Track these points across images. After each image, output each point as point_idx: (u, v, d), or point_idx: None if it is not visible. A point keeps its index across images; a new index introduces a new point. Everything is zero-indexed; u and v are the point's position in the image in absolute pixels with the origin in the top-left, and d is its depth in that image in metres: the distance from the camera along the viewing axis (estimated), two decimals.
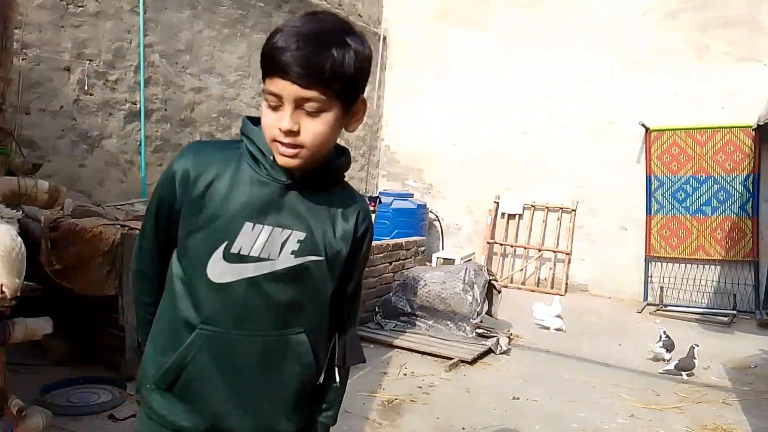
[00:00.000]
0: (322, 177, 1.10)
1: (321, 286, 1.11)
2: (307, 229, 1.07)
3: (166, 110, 5.15)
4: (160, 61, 5.06)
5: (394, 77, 8.00)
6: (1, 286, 1.84)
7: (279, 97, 0.98)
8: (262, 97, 1.01)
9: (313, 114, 0.99)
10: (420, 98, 7.74)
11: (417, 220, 6.79)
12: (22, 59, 4.08)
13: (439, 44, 7.57)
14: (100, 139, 4.66)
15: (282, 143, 0.99)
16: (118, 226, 3.56)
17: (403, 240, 5.17)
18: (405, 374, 3.70)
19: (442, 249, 7.46)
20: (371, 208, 4.04)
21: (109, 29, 4.64)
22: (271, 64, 0.97)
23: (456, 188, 7.51)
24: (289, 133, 0.98)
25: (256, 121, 1.08)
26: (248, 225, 1.03)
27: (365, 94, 1.09)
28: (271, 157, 1.04)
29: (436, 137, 7.63)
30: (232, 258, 1.04)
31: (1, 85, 2.21)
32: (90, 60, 4.54)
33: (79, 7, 4.44)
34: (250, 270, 1.04)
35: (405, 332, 4.46)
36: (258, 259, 1.04)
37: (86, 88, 4.53)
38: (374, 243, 4.38)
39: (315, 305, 1.12)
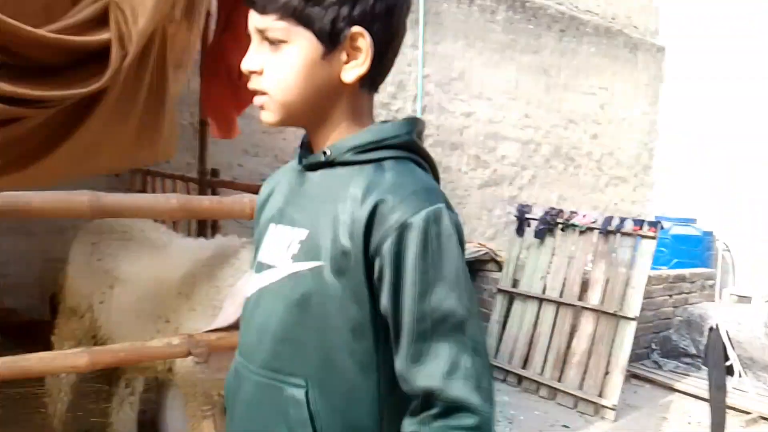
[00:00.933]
0: (334, 151, 0.81)
1: (329, 308, 0.77)
2: (311, 224, 0.80)
3: (438, 135, 5.47)
4: (435, 90, 5.42)
5: (672, 91, 7.27)
6: None
7: (249, 34, 0.81)
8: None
9: (273, 48, 0.78)
10: (706, 112, 6.89)
11: (702, 250, 6.02)
12: None
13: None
14: None
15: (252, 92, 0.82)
16: None
17: (686, 271, 4.63)
18: (689, 422, 3.27)
19: (735, 284, 6.47)
20: (651, 234, 3.69)
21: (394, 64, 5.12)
22: None
23: (753, 214, 6.46)
24: (250, 74, 0.81)
25: None
26: (272, 227, 0.88)
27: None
28: (300, 142, 0.89)
29: (727, 153, 6.69)
30: (257, 268, 0.89)
31: None
32: (377, 93, 5.07)
33: None
34: (259, 281, 0.87)
35: (688, 375, 3.97)
36: (264, 267, 0.86)
37: (373, 118, 5.05)
38: (651, 272, 3.99)
39: (321, 343, 0.78)
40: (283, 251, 0.82)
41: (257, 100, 0.81)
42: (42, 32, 1.48)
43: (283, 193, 0.89)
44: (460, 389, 0.71)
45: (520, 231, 4.39)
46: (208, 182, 3.31)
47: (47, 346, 2.47)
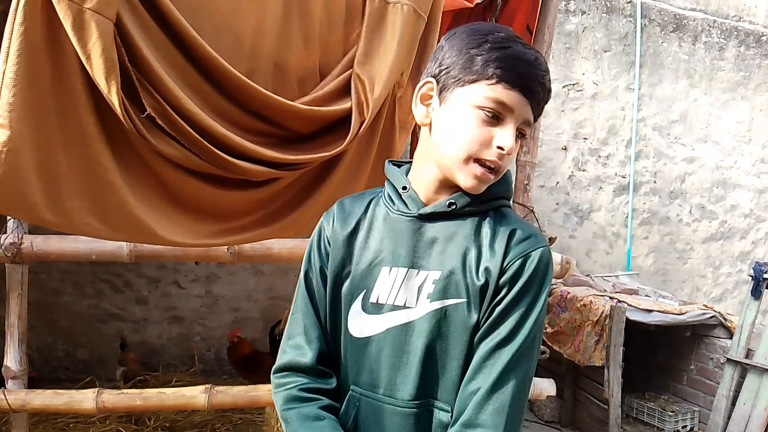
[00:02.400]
0: (471, 202, 0.96)
1: (469, 336, 0.91)
2: (443, 266, 0.93)
3: (655, 182, 5.07)
4: (652, 133, 5.06)
5: None
6: None
7: (504, 110, 0.89)
8: (468, 105, 0.91)
9: (520, 138, 0.93)
10: None
11: None
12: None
13: None
14: (589, 212, 4.92)
15: (487, 162, 0.90)
16: (607, 298, 3.64)
17: None
18: None
19: None
20: None
21: (604, 108, 4.92)
22: (513, 73, 0.88)
23: None
24: (505, 155, 0.90)
25: (397, 163, 1.05)
26: (385, 270, 0.95)
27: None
28: (402, 187, 0.99)
29: None
30: (370, 308, 0.95)
31: (527, 169, 2.56)
32: (585, 138, 4.89)
33: (578, 91, 4.87)
34: (386, 321, 0.94)
35: None
36: (394, 308, 0.94)
37: (580, 164, 4.88)
38: None
39: (460, 369, 0.92)
40: (414, 292, 0.93)
41: (491, 175, 0.92)
42: (297, 104, 1.70)
43: (385, 236, 0.97)
44: (494, 417, 0.88)
45: (756, 293, 3.84)
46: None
47: (267, 376, 2.75)
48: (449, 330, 0.91)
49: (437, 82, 0.94)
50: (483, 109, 0.89)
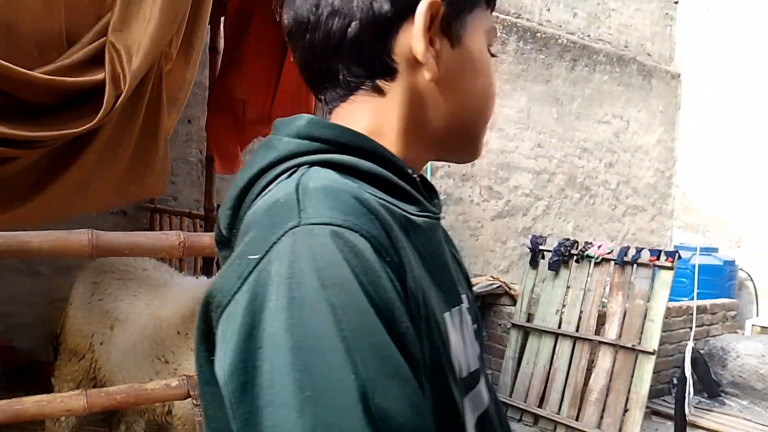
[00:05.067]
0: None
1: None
2: (462, 284, 0.67)
3: (449, 166, 5.43)
4: None
5: (689, 118, 7.19)
6: None
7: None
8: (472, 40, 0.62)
9: None
10: (725, 139, 6.79)
11: (724, 280, 5.84)
12: None
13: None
14: None
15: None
16: None
17: (707, 302, 4.49)
18: None
19: (758, 315, 6.26)
20: (668, 264, 3.59)
21: None
22: None
23: None
24: None
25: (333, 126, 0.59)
26: (446, 317, 0.57)
27: None
28: (410, 171, 0.60)
29: (747, 180, 6.56)
30: (461, 389, 0.58)
31: None
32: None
33: None
34: (481, 398, 0.63)
35: (711, 411, 3.80)
36: (478, 373, 0.63)
37: None
38: (671, 304, 3.88)
39: None
40: (471, 342, 0.63)
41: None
42: (35, 74, 1.48)
43: (424, 257, 0.56)
44: None
45: (533, 263, 4.31)
46: (215, 219, 3.30)
47: (49, 388, 2.45)
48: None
49: (444, 4, 0.58)
50: (491, 43, 0.63)
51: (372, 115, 0.60)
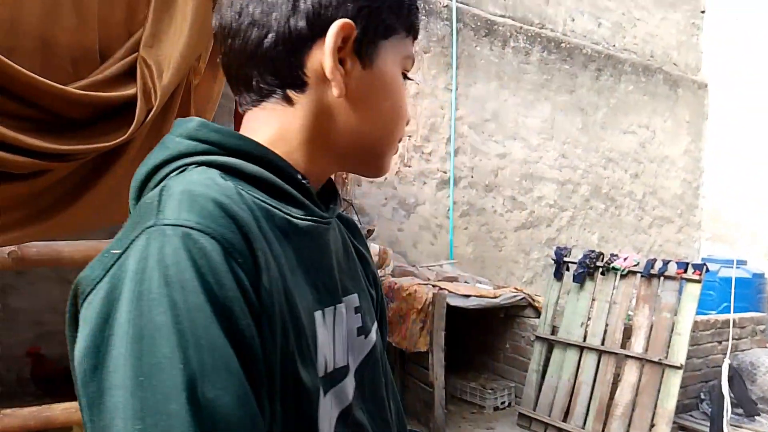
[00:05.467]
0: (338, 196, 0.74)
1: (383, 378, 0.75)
2: (357, 285, 0.71)
3: (472, 177, 5.42)
4: (468, 131, 5.40)
5: (717, 127, 7.07)
6: None
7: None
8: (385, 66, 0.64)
9: None
10: (753, 149, 6.66)
11: (753, 292, 5.72)
12: None
13: None
14: (415, 205, 5.14)
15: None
16: (430, 286, 3.81)
17: (735, 316, 4.39)
18: None
19: None
20: (696, 277, 3.53)
21: (425, 107, 5.16)
22: (412, 22, 0.67)
23: None
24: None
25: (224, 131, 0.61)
26: (318, 316, 0.61)
27: None
28: (300, 176, 0.62)
29: None
30: (323, 384, 0.60)
31: None
32: (410, 136, 5.09)
33: None
34: (343, 394, 0.64)
35: (741, 427, 3.72)
36: (346, 370, 0.66)
37: (406, 160, 5.07)
38: (698, 318, 3.81)
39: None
40: (352, 338, 0.67)
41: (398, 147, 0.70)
42: (70, 89, 1.52)
43: (299, 258, 0.60)
44: None
45: (558, 275, 4.26)
46: None
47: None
48: (384, 359, 0.75)
49: (358, 28, 0.62)
50: (404, 73, 0.67)
51: (279, 122, 0.63)
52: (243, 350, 0.48)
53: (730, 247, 6.81)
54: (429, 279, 4.14)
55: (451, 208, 5.27)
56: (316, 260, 0.63)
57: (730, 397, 3.69)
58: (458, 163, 5.33)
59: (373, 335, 0.72)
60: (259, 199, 0.57)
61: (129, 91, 1.62)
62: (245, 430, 0.46)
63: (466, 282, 4.34)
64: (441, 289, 3.77)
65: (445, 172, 5.27)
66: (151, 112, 1.64)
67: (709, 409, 3.90)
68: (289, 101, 0.62)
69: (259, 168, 0.59)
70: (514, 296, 4.19)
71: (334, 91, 0.61)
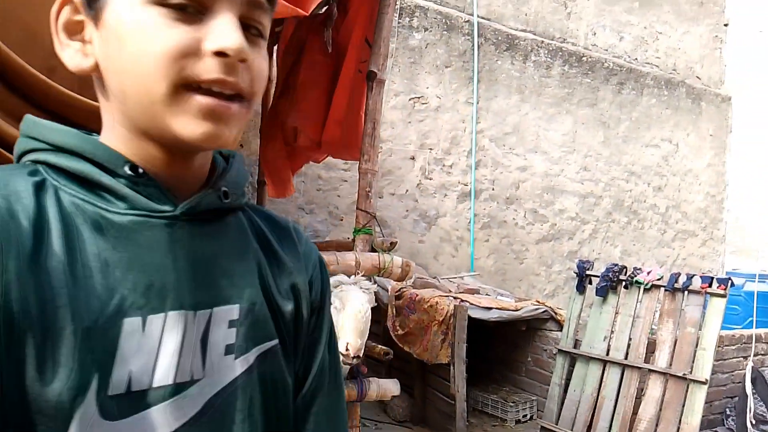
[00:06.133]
0: (232, 188, 0.63)
1: (283, 398, 0.64)
2: (238, 295, 0.60)
3: (493, 189, 5.44)
4: (489, 144, 5.43)
5: (740, 141, 7.01)
6: (347, 344, 2.11)
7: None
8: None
9: (256, 41, 0.58)
10: None
11: None
12: (378, 152, 4.84)
13: None
14: (436, 217, 5.17)
15: (211, 83, 0.53)
16: (452, 298, 3.83)
17: (761, 331, 4.34)
18: None
19: None
20: (720, 291, 3.51)
21: (446, 120, 5.20)
22: None
23: None
24: (236, 63, 0.54)
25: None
26: (133, 323, 0.53)
27: None
28: (127, 168, 0.56)
29: None
30: (117, 406, 0.51)
31: (369, 176, 2.62)
32: (430, 149, 5.14)
33: (423, 104, 5.11)
34: (160, 417, 0.53)
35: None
36: (175, 389, 0.54)
37: (427, 173, 5.12)
38: (723, 332, 3.78)
39: None
40: (198, 350, 0.56)
41: (227, 105, 0.54)
42: None
43: (116, 258, 0.54)
44: None
45: (580, 288, 4.25)
46: None
47: None
48: (269, 394, 0.61)
49: None
50: (164, 5, 0.53)
51: (103, 111, 0.60)
52: None
53: (755, 261, 6.71)
54: (450, 291, 4.15)
55: (473, 221, 5.29)
56: (143, 259, 0.54)
57: (753, 395, 3.64)
58: (479, 175, 5.36)
59: (251, 359, 0.59)
60: (71, 194, 0.54)
61: None
62: None
63: (487, 294, 4.35)
64: (462, 301, 3.79)
65: (465, 185, 5.29)
66: None
67: (734, 425, 3.85)
68: (100, 87, 0.59)
69: (75, 162, 0.55)
70: (536, 309, 4.18)
71: (77, 69, 0.57)
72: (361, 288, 2.26)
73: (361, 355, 2.13)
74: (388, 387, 2.53)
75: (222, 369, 0.57)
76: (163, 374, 0.53)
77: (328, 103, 2.97)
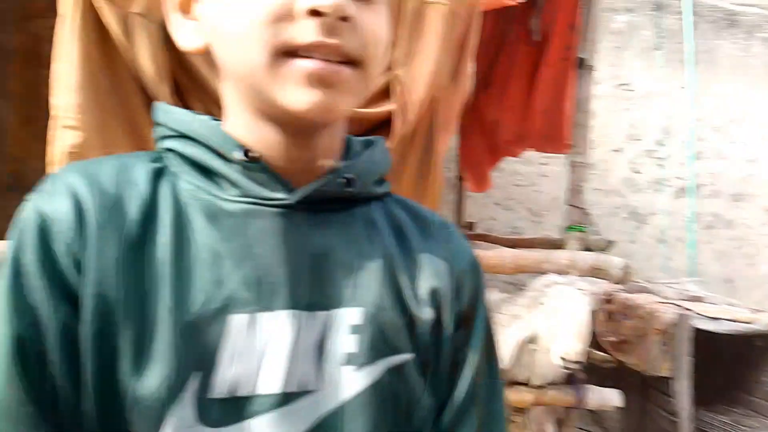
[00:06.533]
0: (362, 176, 0.56)
1: (417, 423, 0.54)
2: (362, 297, 0.52)
3: (714, 184, 4.87)
4: (708, 134, 4.88)
5: None
6: (567, 349, 1.99)
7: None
8: None
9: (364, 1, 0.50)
10: None
11: None
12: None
13: None
14: (647, 215, 4.76)
15: (310, 46, 0.47)
16: (671, 305, 3.48)
17: None
18: None
19: None
20: None
21: (656, 108, 4.80)
22: None
23: None
24: (336, 22, 0.47)
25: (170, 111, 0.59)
26: (241, 320, 0.48)
27: None
28: (242, 152, 0.52)
29: None
30: (218, 411, 0.47)
31: (580, 170, 2.48)
32: (639, 140, 4.76)
33: (629, 91, 4.75)
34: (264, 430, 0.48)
35: None
36: (281, 401, 0.48)
37: (635, 167, 4.75)
38: None
39: None
40: (315, 358, 0.50)
41: (333, 68, 0.48)
42: None
43: (227, 249, 0.50)
44: None
45: None
46: (468, 236, 3.41)
47: None
48: (400, 418, 0.52)
49: None
50: None
51: (222, 92, 0.57)
52: (25, 323, 0.47)
53: None
54: (668, 297, 3.78)
55: (693, 220, 4.77)
56: (254, 251, 0.50)
57: None
58: (698, 169, 4.83)
59: (377, 373, 0.51)
60: (189, 181, 0.53)
61: (388, 107, 1.74)
62: (3, 413, 0.45)
63: (713, 303, 3.88)
64: (686, 309, 3.42)
65: (681, 179, 4.80)
66: (406, 125, 1.74)
67: None
68: (214, 68, 0.57)
69: (193, 148, 0.53)
70: None
71: (193, 48, 0.56)
72: (579, 289, 2.13)
73: (583, 360, 2.00)
74: (609, 397, 2.38)
75: (340, 382, 0.50)
76: (270, 381, 0.48)
77: (529, 93, 2.89)
